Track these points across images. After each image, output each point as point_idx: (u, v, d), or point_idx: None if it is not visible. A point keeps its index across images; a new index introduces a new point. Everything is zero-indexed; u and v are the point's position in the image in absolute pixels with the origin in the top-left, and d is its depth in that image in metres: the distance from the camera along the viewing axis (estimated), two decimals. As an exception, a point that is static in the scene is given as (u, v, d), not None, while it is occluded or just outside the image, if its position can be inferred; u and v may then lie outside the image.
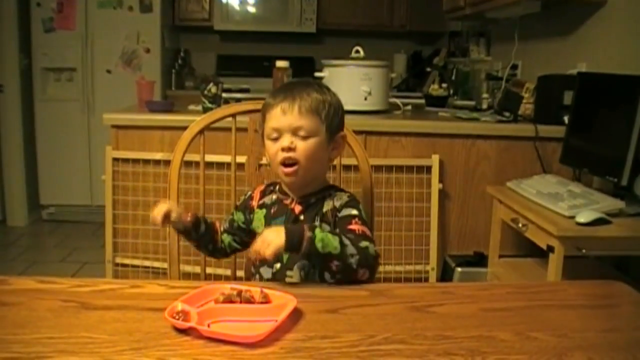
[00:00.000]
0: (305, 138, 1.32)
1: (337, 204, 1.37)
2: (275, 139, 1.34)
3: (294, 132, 1.32)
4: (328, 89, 1.41)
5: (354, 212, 1.35)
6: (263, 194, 1.47)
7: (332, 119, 1.36)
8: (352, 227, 1.31)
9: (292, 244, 1.18)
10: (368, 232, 1.32)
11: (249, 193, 1.51)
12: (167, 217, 1.34)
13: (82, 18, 4.49)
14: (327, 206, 1.37)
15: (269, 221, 1.43)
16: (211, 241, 1.49)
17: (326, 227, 1.33)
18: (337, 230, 1.30)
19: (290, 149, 1.33)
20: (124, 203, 2.84)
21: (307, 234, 1.19)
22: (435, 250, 2.83)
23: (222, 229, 1.52)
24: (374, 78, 2.95)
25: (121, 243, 2.86)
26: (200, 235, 1.45)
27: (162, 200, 1.37)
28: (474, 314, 1.06)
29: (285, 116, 1.32)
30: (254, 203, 1.48)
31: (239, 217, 1.49)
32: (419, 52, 5.52)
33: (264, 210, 1.44)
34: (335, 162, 1.62)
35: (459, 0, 3.70)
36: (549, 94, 2.82)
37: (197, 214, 1.45)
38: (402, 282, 2.69)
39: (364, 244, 1.23)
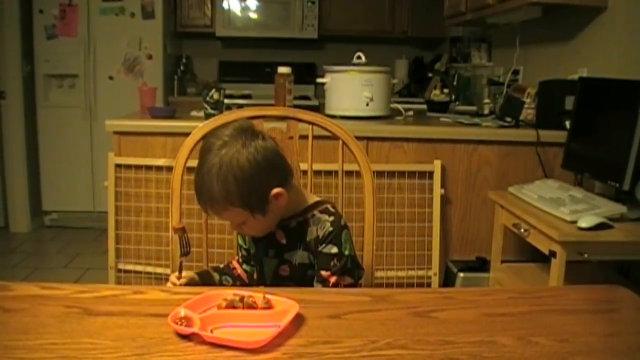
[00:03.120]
0: (242, 224, 1.30)
1: (320, 233, 1.33)
2: None
3: (229, 221, 1.32)
4: (238, 153, 1.22)
5: (334, 250, 1.33)
6: None
7: (251, 198, 1.24)
8: (327, 275, 1.33)
9: None
10: (343, 281, 1.33)
11: None
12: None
13: (85, 25, 4.50)
14: (311, 235, 1.35)
15: (255, 243, 1.45)
16: (235, 279, 1.49)
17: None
18: (316, 265, 1.35)
19: (238, 230, 1.37)
20: (126, 209, 2.84)
21: None
22: (437, 255, 2.83)
23: (239, 261, 1.53)
24: (376, 84, 2.96)
25: (124, 249, 2.87)
26: (219, 283, 1.45)
27: (171, 276, 1.38)
28: (476, 319, 1.06)
29: (210, 215, 1.33)
30: None
31: (241, 241, 1.51)
32: (421, 57, 5.53)
33: None
34: (337, 167, 1.63)
35: (460, 6, 3.71)
36: (550, 99, 2.82)
37: (207, 270, 1.47)
38: (404, 288, 2.69)
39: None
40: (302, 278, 1.37)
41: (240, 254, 1.53)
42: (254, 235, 1.39)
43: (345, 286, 1.33)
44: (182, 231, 1.37)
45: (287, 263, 1.37)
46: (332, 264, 1.33)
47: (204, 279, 1.40)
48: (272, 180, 1.27)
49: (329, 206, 1.39)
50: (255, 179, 1.23)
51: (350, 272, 1.35)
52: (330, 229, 1.33)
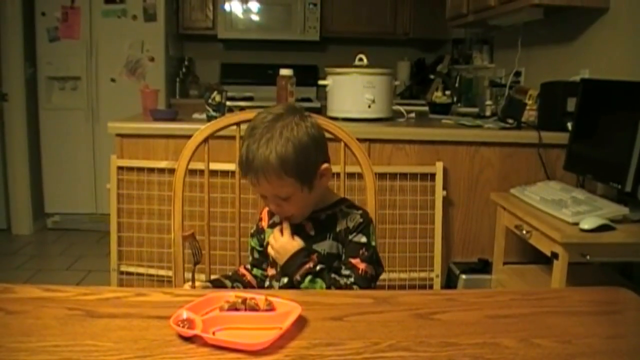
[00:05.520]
0: (286, 199, 1.31)
1: (351, 224, 1.37)
2: (262, 195, 1.35)
3: (274, 195, 1.32)
4: (297, 125, 1.28)
5: (363, 239, 1.37)
6: (272, 213, 1.46)
7: (305, 170, 1.28)
8: (356, 262, 1.35)
9: (287, 272, 1.36)
10: (370, 270, 1.36)
11: (258, 215, 1.52)
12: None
13: (87, 27, 4.51)
14: (341, 226, 1.38)
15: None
16: (246, 286, 1.48)
17: (336, 246, 1.38)
18: (344, 255, 1.37)
19: (278, 209, 1.36)
20: (128, 211, 2.85)
21: (296, 277, 1.33)
22: (440, 257, 2.83)
23: (249, 265, 1.52)
24: (378, 86, 2.96)
25: (126, 251, 2.87)
26: (231, 289, 1.45)
27: (185, 286, 1.40)
28: (479, 320, 1.06)
29: (257, 187, 1.31)
30: (264, 223, 1.49)
31: (255, 243, 1.51)
32: (422, 59, 5.53)
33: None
34: (339, 170, 1.63)
35: (462, 8, 3.71)
36: (552, 101, 2.82)
37: (219, 278, 1.47)
38: (407, 290, 2.69)
39: (356, 289, 1.33)
40: (328, 269, 1.36)
41: (251, 258, 1.53)
42: (291, 216, 1.37)
43: (372, 276, 1.36)
44: (192, 238, 1.37)
45: (315, 253, 1.37)
46: (361, 252, 1.36)
47: (217, 287, 1.40)
48: (323, 156, 1.34)
49: (352, 202, 1.44)
50: (310, 151, 1.28)
51: (375, 264, 1.38)
52: (360, 220, 1.38)
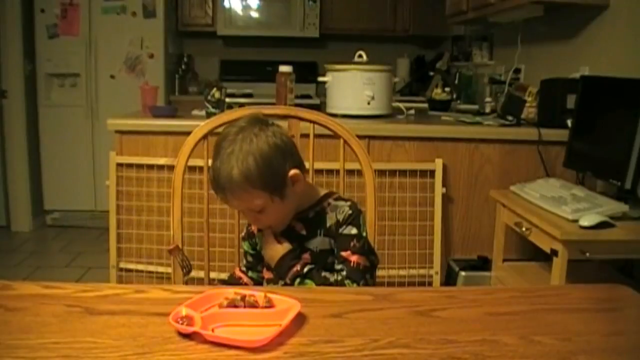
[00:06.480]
0: (260, 211, 1.30)
1: (340, 217, 1.36)
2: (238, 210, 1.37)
3: (247, 210, 1.32)
4: (256, 136, 1.26)
5: (354, 231, 1.35)
6: None
7: (271, 180, 1.27)
8: (347, 254, 1.34)
9: (279, 276, 1.37)
10: (363, 261, 1.35)
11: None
12: None
13: (86, 24, 4.51)
14: (330, 220, 1.37)
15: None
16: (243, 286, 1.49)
17: (328, 241, 1.37)
18: (336, 249, 1.36)
19: (256, 222, 1.38)
20: (127, 208, 2.84)
21: (286, 280, 1.35)
22: (439, 254, 2.83)
23: (243, 268, 1.53)
24: (377, 82, 2.95)
25: (125, 248, 2.87)
26: None
27: None
28: (478, 318, 1.06)
29: (228, 204, 1.32)
30: (253, 227, 1.48)
31: (247, 246, 1.51)
32: (422, 56, 5.53)
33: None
34: (339, 166, 1.63)
35: (462, 5, 3.71)
36: (552, 98, 2.82)
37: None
38: (406, 287, 2.69)
39: (348, 283, 1.32)
40: (323, 266, 1.37)
41: (244, 261, 1.53)
42: (271, 227, 1.38)
43: (365, 267, 1.34)
44: (177, 250, 1.37)
45: (307, 251, 1.37)
46: (352, 244, 1.35)
47: None
48: (289, 163, 1.31)
49: (339, 195, 1.43)
50: (273, 160, 1.27)
51: (368, 254, 1.37)
52: (350, 211, 1.36)
